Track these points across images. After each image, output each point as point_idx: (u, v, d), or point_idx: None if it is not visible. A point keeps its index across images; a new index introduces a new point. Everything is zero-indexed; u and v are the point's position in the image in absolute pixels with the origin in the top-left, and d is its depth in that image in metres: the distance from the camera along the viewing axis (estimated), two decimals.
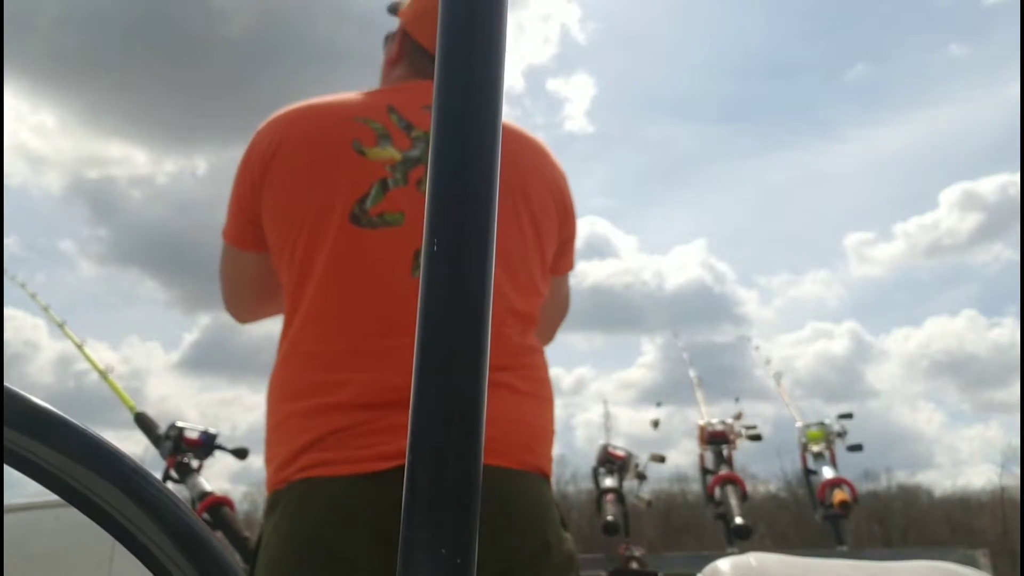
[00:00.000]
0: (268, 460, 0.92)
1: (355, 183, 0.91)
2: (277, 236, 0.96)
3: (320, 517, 0.83)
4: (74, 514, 0.26)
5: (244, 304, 1.12)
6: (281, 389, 0.93)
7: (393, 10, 1.10)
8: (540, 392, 0.96)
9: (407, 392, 0.90)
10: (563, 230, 1.06)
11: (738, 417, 2.09)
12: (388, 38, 1.12)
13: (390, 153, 0.93)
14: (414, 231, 0.91)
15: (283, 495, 0.87)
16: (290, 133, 0.96)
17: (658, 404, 2.30)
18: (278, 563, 0.84)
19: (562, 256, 1.09)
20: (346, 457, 0.84)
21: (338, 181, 0.92)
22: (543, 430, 0.95)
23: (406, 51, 1.05)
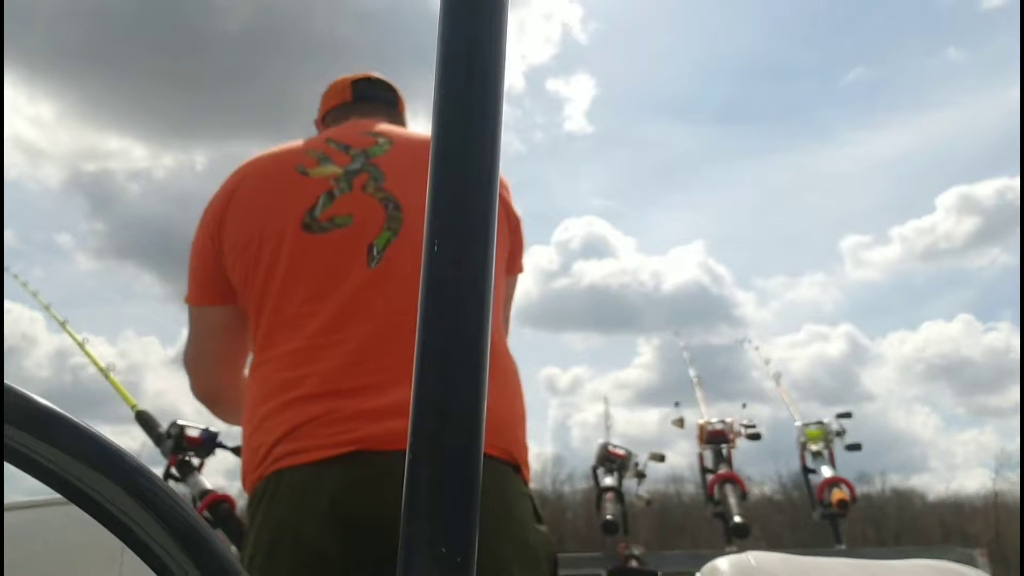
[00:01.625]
0: (245, 468, 0.94)
1: (303, 198, 0.98)
2: (239, 266, 1.00)
3: (288, 504, 0.85)
4: (83, 511, 0.26)
5: (212, 366, 1.12)
6: (254, 396, 0.95)
7: None
8: (504, 375, 0.99)
9: (371, 377, 0.89)
10: (512, 236, 1.12)
11: (749, 426, 2.10)
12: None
13: (331, 170, 1.00)
14: (365, 229, 0.96)
15: (259, 491, 0.88)
16: (242, 178, 1.04)
17: (676, 404, 2.27)
18: (256, 555, 0.85)
19: (513, 260, 1.14)
20: (314, 445, 0.86)
21: (287, 200, 0.99)
22: (511, 413, 0.96)
23: (328, 124, 1.19)
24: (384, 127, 1.10)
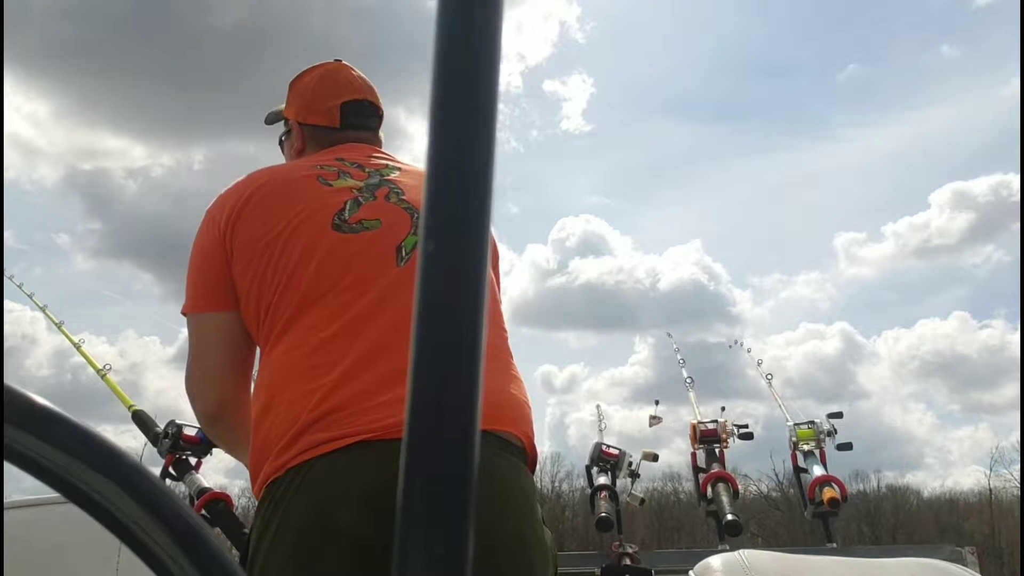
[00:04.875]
0: (260, 454, 0.92)
1: (329, 203, 1.02)
2: (256, 263, 1.00)
3: (322, 492, 0.85)
4: (82, 510, 0.26)
5: (220, 379, 1.06)
6: (278, 379, 0.95)
7: (270, 121, 1.29)
8: (511, 370, 1.01)
9: (400, 363, 0.88)
10: (494, 258, 1.17)
11: (741, 426, 2.10)
12: (283, 142, 1.28)
13: (352, 183, 1.06)
14: (393, 231, 1.00)
15: (284, 479, 0.87)
16: (259, 185, 1.05)
17: (656, 403, 2.28)
18: (280, 542, 0.84)
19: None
20: (342, 434, 0.86)
21: (313, 203, 1.02)
22: (522, 401, 0.99)
23: (309, 138, 1.19)
24: (386, 155, 1.15)
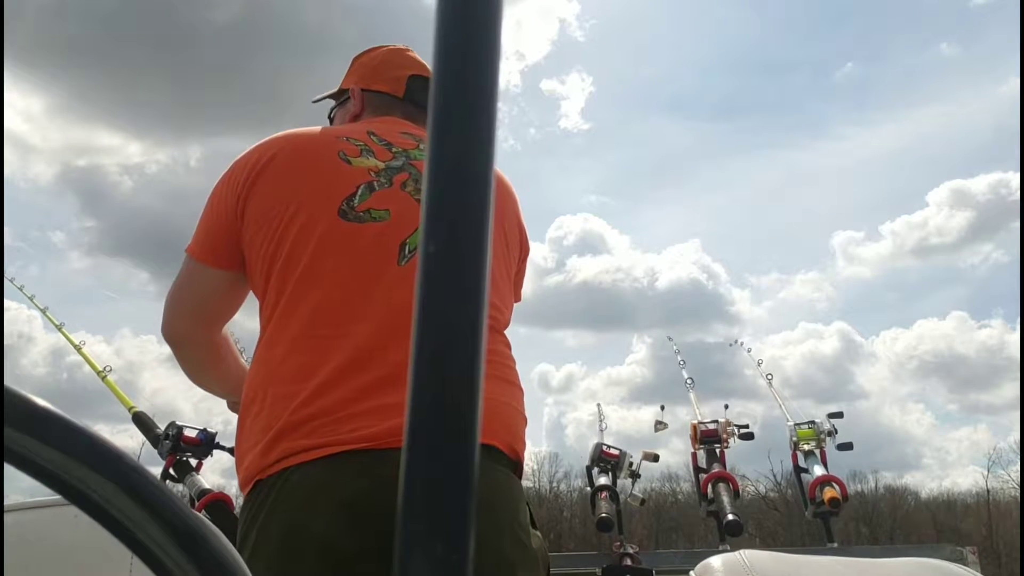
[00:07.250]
0: (244, 447, 0.92)
1: (342, 185, 0.98)
2: (261, 237, 0.99)
3: (301, 501, 0.84)
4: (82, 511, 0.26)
5: (192, 320, 1.09)
6: (265, 375, 0.94)
7: (320, 99, 1.27)
8: (509, 377, 1.00)
9: (389, 370, 0.88)
10: (522, 253, 1.15)
11: (741, 426, 2.11)
12: (331, 118, 1.26)
13: (373, 163, 1.01)
14: (400, 225, 0.97)
15: (266, 484, 0.87)
16: (279, 149, 1.03)
17: (661, 407, 2.28)
18: (261, 550, 0.84)
19: (515, 285, 1.16)
20: (323, 443, 0.85)
21: (326, 183, 0.99)
22: (513, 410, 0.98)
23: (368, 104, 1.18)
24: (421, 132, 1.12)
